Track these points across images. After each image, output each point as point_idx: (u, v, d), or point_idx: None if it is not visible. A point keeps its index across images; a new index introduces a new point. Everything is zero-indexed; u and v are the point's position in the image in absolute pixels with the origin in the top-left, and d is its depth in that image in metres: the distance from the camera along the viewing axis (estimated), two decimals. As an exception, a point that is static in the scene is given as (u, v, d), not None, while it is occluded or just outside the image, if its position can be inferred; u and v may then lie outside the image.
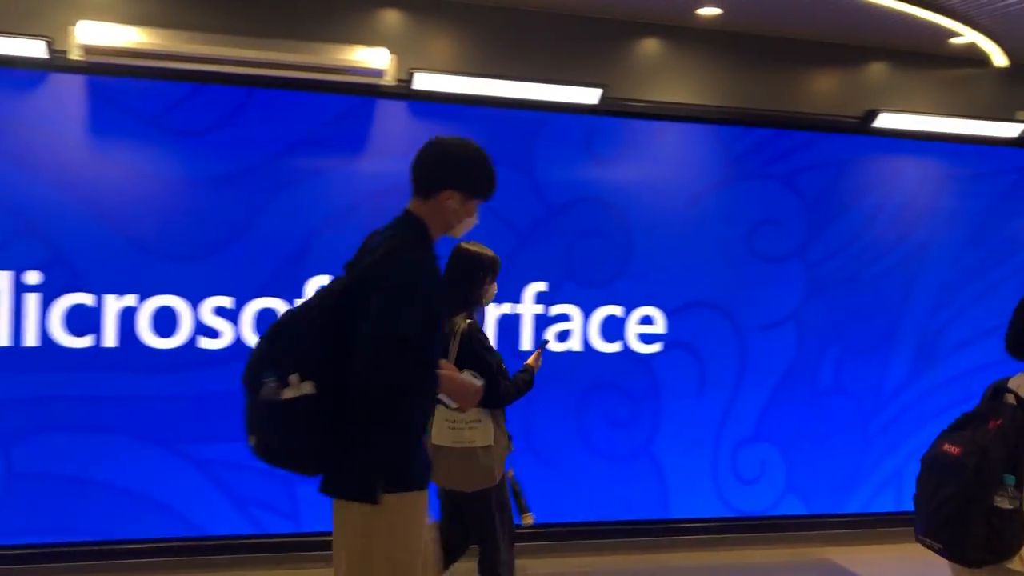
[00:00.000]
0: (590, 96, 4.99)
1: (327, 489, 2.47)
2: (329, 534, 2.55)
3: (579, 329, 5.14)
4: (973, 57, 5.59)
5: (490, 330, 4.95)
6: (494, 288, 3.66)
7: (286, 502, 4.78)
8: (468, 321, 3.54)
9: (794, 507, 5.53)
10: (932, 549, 2.60)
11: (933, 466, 2.63)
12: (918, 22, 5.01)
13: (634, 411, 5.26)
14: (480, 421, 3.50)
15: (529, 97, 4.95)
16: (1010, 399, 2.59)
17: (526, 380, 3.65)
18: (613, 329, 5.18)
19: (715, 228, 5.33)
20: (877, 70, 5.62)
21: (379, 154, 4.86)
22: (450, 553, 3.69)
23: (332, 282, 2.53)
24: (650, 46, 5.28)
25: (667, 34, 5.27)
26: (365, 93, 4.84)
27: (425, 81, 4.78)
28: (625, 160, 5.21)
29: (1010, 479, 2.46)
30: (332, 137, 4.82)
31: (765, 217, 5.43)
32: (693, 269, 5.30)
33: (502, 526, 3.60)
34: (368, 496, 2.39)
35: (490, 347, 3.59)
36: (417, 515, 2.49)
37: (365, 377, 2.32)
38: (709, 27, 5.28)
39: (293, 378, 2.32)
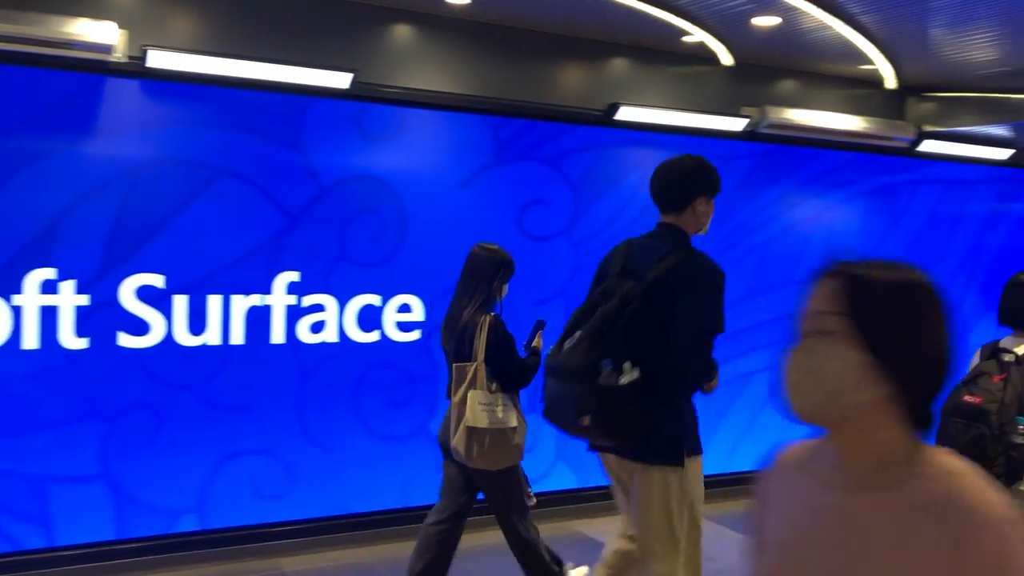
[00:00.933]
0: (340, 80, 4.90)
1: (642, 458, 3.03)
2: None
3: (377, 312, 5.06)
4: (704, 55, 6.01)
5: (240, 322, 4.81)
6: (506, 287, 4.02)
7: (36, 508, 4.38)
8: (492, 315, 3.88)
9: (564, 475, 5.75)
10: None
11: (958, 413, 3.29)
12: (653, 20, 5.31)
13: (410, 393, 5.28)
14: (507, 404, 3.84)
15: (276, 79, 4.79)
16: (1009, 357, 3.36)
17: (536, 362, 3.95)
18: (373, 316, 5.15)
19: (485, 209, 5.43)
20: (620, 65, 5.91)
21: (112, 135, 4.52)
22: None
23: (618, 284, 3.03)
24: (403, 32, 5.26)
25: (420, 21, 5.28)
26: (94, 70, 4.49)
27: (160, 59, 4.49)
28: (394, 144, 5.20)
29: (1021, 420, 3.18)
30: (60, 117, 4.44)
31: (534, 198, 5.59)
32: (465, 250, 5.36)
33: (522, 499, 3.99)
34: (678, 460, 3.04)
35: (511, 336, 3.89)
36: (700, 473, 3.17)
37: (685, 363, 2.92)
38: (460, 16, 5.33)
39: (626, 366, 2.82)
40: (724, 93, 6.20)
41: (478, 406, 3.79)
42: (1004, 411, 3.20)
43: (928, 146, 7.02)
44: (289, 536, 5.01)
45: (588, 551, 5.12)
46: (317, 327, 5.00)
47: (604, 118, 5.71)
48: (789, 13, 5.08)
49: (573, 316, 3.11)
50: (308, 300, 4.97)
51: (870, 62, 6.09)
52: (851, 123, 6.43)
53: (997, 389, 3.28)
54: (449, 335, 3.99)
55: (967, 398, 3.33)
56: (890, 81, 6.54)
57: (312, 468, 5.07)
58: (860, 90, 6.68)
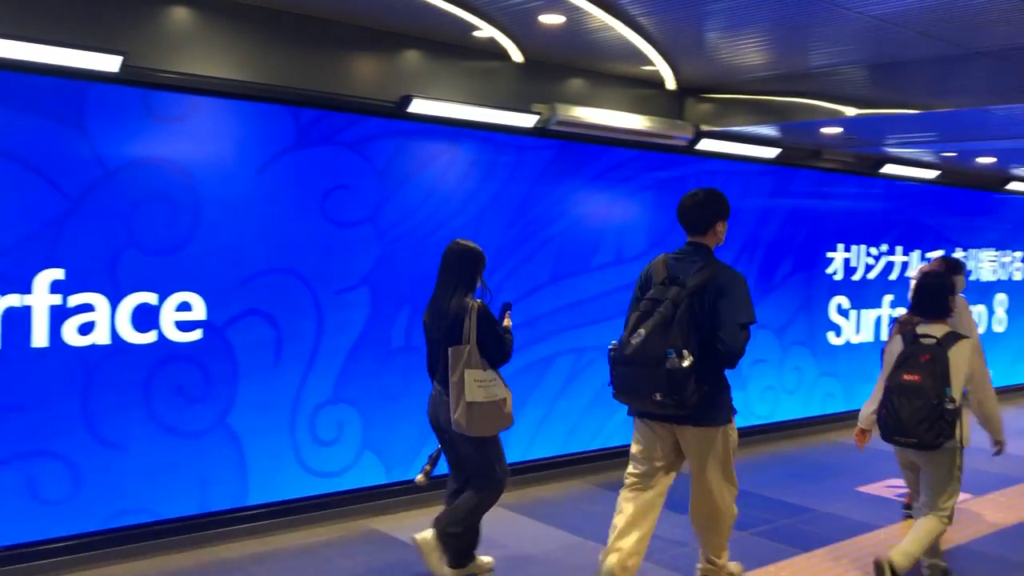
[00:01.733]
0: (109, 63, 4.57)
1: (698, 423, 4.00)
2: None
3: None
4: (495, 51, 6.08)
5: (-5, 324, 4.40)
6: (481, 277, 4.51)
7: None
8: (479, 301, 4.37)
9: (371, 466, 5.66)
10: (908, 445, 4.30)
11: (902, 391, 4.25)
12: (444, 14, 5.30)
13: (208, 387, 5.04)
14: (496, 379, 4.37)
15: (43, 61, 4.40)
16: (930, 340, 4.31)
17: (511, 340, 4.47)
18: (149, 316, 4.85)
19: (286, 195, 5.25)
20: (413, 57, 5.87)
21: None
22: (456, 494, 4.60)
23: (664, 290, 3.97)
24: (180, 15, 4.98)
25: (201, 5, 5.01)
26: None
27: None
28: (183, 128, 4.90)
29: (948, 390, 4.17)
30: None
31: (338, 184, 5.46)
32: (267, 236, 5.20)
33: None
34: (725, 421, 4.06)
35: (495, 320, 4.42)
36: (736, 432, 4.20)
37: (731, 350, 3.87)
38: (246, 2, 5.12)
39: (684, 352, 3.79)
40: (516, 89, 6.30)
41: (474, 383, 4.29)
42: (936, 385, 4.18)
43: (705, 144, 7.45)
44: (65, 552, 4.64)
45: (385, 548, 5.08)
46: (85, 328, 4.65)
47: (397, 110, 5.66)
48: (573, 12, 5.22)
49: (632, 317, 4.06)
50: (75, 300, 4.61)
51: (651, 63, 6.38)
52: (635, 122, 6.71)
53: (927, 367, 4.22)
54: (438, 323, 4.44)
55: (906, 377, 4.27)
56: (670, 82, 6.88)
57: (97, 472, 4.72)
58: (643, 90, 6.99)
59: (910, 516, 5.69)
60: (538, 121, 6.24)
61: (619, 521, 4.17)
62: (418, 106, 5.67)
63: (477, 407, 4.28)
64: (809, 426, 8.47)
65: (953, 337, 4.36)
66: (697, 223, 4.15)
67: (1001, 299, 10.70)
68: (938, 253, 9.48)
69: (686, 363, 3.79)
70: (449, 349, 4.32)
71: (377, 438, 5.71)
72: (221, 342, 5.08)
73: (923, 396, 4.19)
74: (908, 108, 6.54)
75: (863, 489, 6.55)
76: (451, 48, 5.98)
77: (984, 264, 10.41)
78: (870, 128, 7.59)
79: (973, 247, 10.29)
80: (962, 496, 6.38)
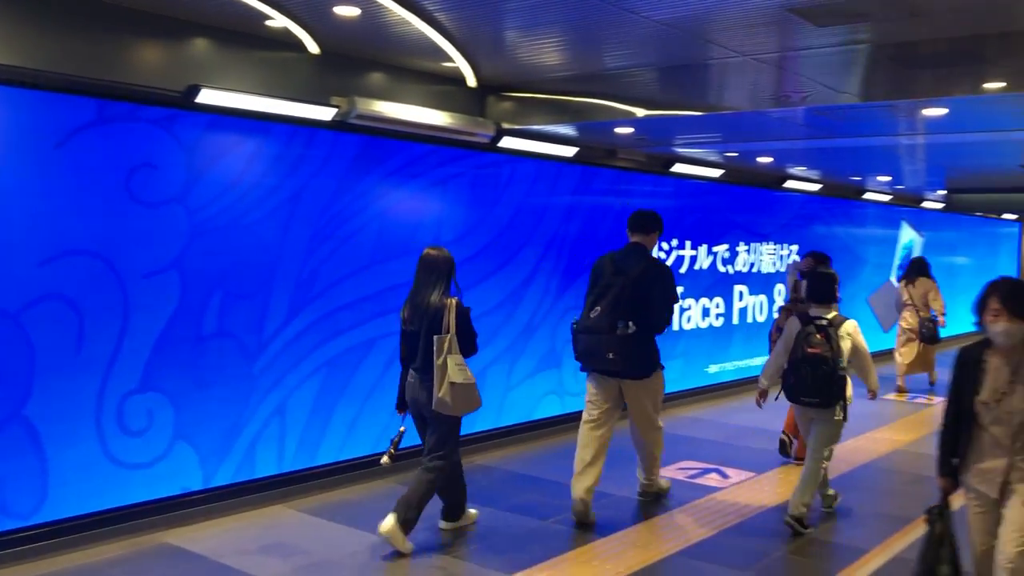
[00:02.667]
0: None
1: (633, 376, 5.51)
2: None
3: None
4: (290, 42, 5.90)
5: None
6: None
7: None
8: (457, 299, 5.01)
9: (184, 453, 5.35)
10: (811, 404, 5.44)
11: (807, 361, 5.36)
12: (234, 1, 5.09)
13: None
14: (465, 365, 4.96)
15: None
16: (823, 321, 5.42)
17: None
18: None
19: (86, 172, 4.80)
20: (201, 46, 5.60)
21: None
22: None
23: (614, 279, 5.43)
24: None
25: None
26: None
27: None
28: None
29: (840, 361, 5.33)
30: None
31: (143, 162, 5.05)
32: (61, 218, 4.74)
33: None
34: (655, 370, 5.55)
35: (468, 315, 5.06)
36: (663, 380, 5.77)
37: (662, 319, 5.43)
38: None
39: (630, 324, 5.26)
40: (313, 82, 6.14)
41: (456, 367, 4.90)
42: (833, 356, 5.30)
43: (507, 142, 7.57)
44: None
45: (181, 564, 4.81)
46: None
47: (184, 100, 5.37)
48: (369, 5, 5.14)
49: (590, 299, 5.54)
50: None
51: (451, 60, 6.40)
52: (436, 118, 6.72)
53: (824, 343, 5.36)
54: (419, 317, 5.02)
55: (809, 351, 5.37)
56: (471, 80, 6.93)
57: None
58: (445, 87, 7.00)
59: (788, 463, 7.19)
60: (336, 114, 6.11)
61: (585, 455, 5.60)
62: (208, 96, 5.40)
63: (458, 387, 4.91)
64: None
65: (840, 318, 5.53)
66: (643, 229, 5.66)
67: (780, 288, 11.54)
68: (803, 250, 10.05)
69: (631, 330, 5.32)
70: (434, 338, 4.93)
71: (190, 427, 5.39)
72: (14, 328, 4.62)
73: (824, 365, 5.33)
74: (693, 110, 6.91)
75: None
76: (243, 37, 5.75)
77: (764, 257, 11.19)
78: (659, 128, 7.98)
79: (755, 241, 11.03)
80: (747, 474, 6.83)
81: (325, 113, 6.05)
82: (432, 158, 6.93)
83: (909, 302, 10.70)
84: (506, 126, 7.45)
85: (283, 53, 5.96)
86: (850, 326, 5.52)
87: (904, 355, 10.80)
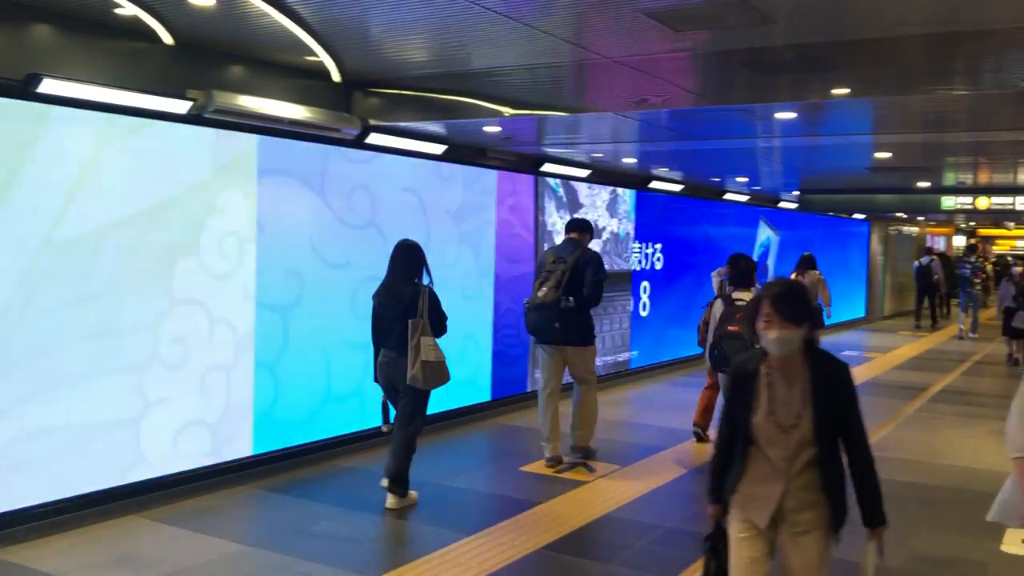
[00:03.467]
0: None
1: (574, 343, 6.79)
2: None
3: None
4: (142, 32, 5.64)
5: None
6: None
7: None
8: (428, 287, 5.70)
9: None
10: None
11: (728, 336, 6.25)
12: (78, -13, 4.83)
13: None
14: (436, 345, 5.65)
15: None
16: (741, 303, 6.20)
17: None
18: None
19: None
20: (44, 33, 5.28)
21: None
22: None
23: (556, 264, 6.70)
24: None
25: None
26: None
27: None
28: None
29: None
30: None
31: None
32: None
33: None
34: (591, 342, 6.89)
35: (438, 300, 5.76)
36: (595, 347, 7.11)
37: (594, 295, 6.61)
38: None
39: (571, 299, 6.55)
40: (168, 73, 5.89)
41: (428, 347, 5.57)
42: (749, 332, 5.83)
43: (375, 139, 7.48)
44: None
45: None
46: None
47: (23, 89, 5.05)
48: (225, -5, 4.98)
49: (537, 282, 6.82)
50: None
51: (314, 54, 6.26)
52: (300, 112, 6.57)
53: (742, 321, 5.68)
54: (393, 303, 5.69)
55: (731, 328, 6.31)
56: (335, 75, 6.81)
57: None
58: (310, 81, 6.85)
59: (699, 436, 7.93)
60: (193, 107, 5.89)
61: (551, 422, 6.98)
62: (50, 86, 5.11)
63: (429, 365, 5.56)
64: (482, 411, 8.81)
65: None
66: (578, 228, 7.06)
67: (645, 286, 11.85)
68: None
69: (571, 304, 6.65)
70: (409, 321, 5.57)
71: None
72: None
73: (742, 339, 5.91)
74: (559, 111, 7.00)
75: (525, 469, 6.93)
76: (90, 25, 5.46)
77: (632, 255, 11.47)
78: (524, 128, 8.05)
79: (622, 239, 11.28)
80: (612, 467, 6.98)
81: (180, 106, 5.81)
82: (294, 153, 6.78)
83: None
84: (373, 122, 7.35)
85: (134, 43, 5.69)
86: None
87: None
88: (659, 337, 12.16)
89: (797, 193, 15.90)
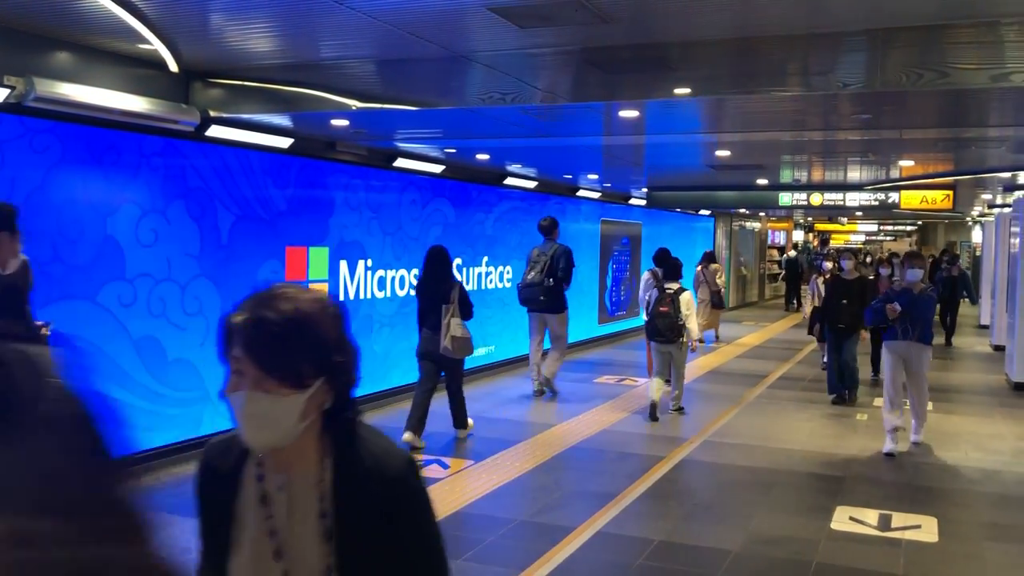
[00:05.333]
0: None
1: (552, 311, 9.99)
2: None
3: None
4: (-49, 11, 5.21)
5: None
6: None
7: None
8: (459, 281, 7.77)
9: None
10: (663, 342, 8.93)
11: (659, 317, 8.88)
12: None
13: None
14: (463, 324, 7.54)
15: None
16: (671, 291, 8.94)
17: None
18: None
19: None
20: None
21: None
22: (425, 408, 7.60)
23: (538, 258, 9.91)
24: None
25: None
26: None
27: None
28: None
29: (679, 316, 8.87)
30: None
31: None
32: None
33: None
34: (564, 310, 10.11)
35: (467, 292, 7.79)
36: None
37: (567, 274, 9.93)
38: None
39: (551, 280, 9.84)
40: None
41: (456, 326, 7.41)
42: (676, 312, 8.71)
43: (216, 131, 7.18)
44: None
45: None
46: None
47: None
48: (44, -25, 4.65)
49: (527, 270, 9.95)
50: None
51: (147, 42, 5.95)
52: (132, 103, 6.22)
53: (669, 305, 8.79)
54: (430, 294, 7.56)
55: (662, 309, 8.81)
56: (172, 64, 6.48)
57: None
58: (144, 70, 6.50)
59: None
60: (11, 95, 5.48)
61: (536, 365, 10.06)
62: None
63: (457, 339, 7.41)
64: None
65: (681, 289, 8.96)
66: (547, 230, 10.00)
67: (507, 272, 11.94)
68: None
69: (552, 283, 9.69)
70: (443, 306, 7.42)
71: None
72: None
73: (670, 318, 8.79)
74: (408, 105, 6.91)
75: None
76: None
77: (484, 261, 11.53)
78: (375, 122, 7.92)
79: (471, 236, 11.32)
80: (467, 463, 6.97)
81: (-4, 94, 5.40)
82: (125, 146, 6.44)
83: (703, 280, 15.31)
84: (214, 114, 7.06)
85: (-58, 24, 5.25)
86: (686, 295, 8.96)
87: (701, 316, 14.09)
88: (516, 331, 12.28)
89: (645, 190, 16.38)
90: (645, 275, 10.54)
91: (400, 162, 10.16)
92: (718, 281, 15.41)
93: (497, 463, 7.08)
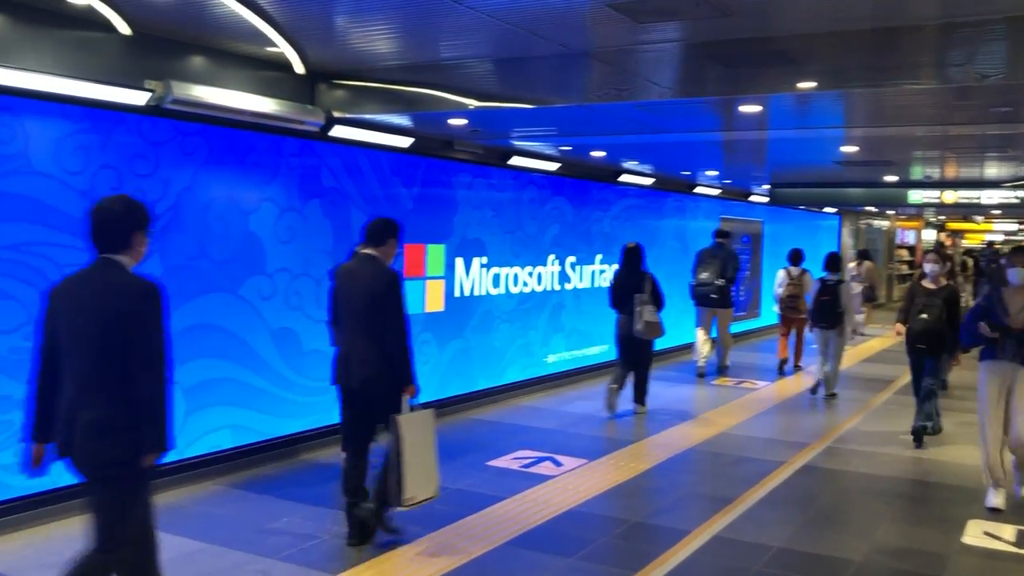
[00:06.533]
0: None
1: (722, 306, 11.45)
2: None
3: None
4: (96, 20, 5.52)
5: None
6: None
7: None
8: (651, 274, 8.91)
9: None
10: (825, 328, 9.99)
11: (820, 304, 9.98)
12: (27, -27, 4.71)
13: None
14: (654, 312, 8.80)
15: None
16: (831, 282, 10.00)
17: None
18: None
19: None
20: (-4, 21, 5.15)
21: None
22: None
23: (713, 258, 11.35)
24: None
25: None
26: None
27: None
28: None
29: (638, 297, 8.76)
30: None
31: None
32: None
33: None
34: (731, 306, 11.86)
35: (658, 285, 8.98)
36: None
37: (735, 276, 11.65)
38: None
39: (722, 279, 11.39)
40: (124, 64, 5.77)
41: (649, 312, 8.61)
42: (836, 301, 9.84)
43: (339, 131, 7.38)
44: None
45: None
46: None
47: (-27, 80, 4.93)
48: (181, -16, 4.88)
49: (698, 270, 11.31)
50: None
51: (275, 45, 6.16)
52: (262, 104, 6.46)
53: (832, 293, 9.88)
54: (628, 285, 8.76)
55: (824, 298, 9.91)
56: (298, 66, 6.71)
57: None
58: (272, 72, 6.75)
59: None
60: (151, 99, 5.78)
61: (703, 351, 11.44)
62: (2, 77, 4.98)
63: (649, 323, 8.59)
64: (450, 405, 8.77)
65: (839, 280, 10.02)
66: (724, 237, 11.51)
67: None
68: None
69: (723, 283, 11.18)
70: (635, 296, 8.62)
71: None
72: None
73: (830, 306, 9.92)
74: (524, 103, 6.94)
75: (492, 463, 6.89)
76: (43, 15, 5.33)
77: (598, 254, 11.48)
78: (492, 121, 7.98)
79: (586, 242, 11.28)
80: (579, 461, 6.95)
81: (138, 97, 5.70)
82: (257, 146, 6.69)
83: (859, 276, 16.13)
84: (338, 115, 7.26)
85: (88, 33, 5.57)
86: (846, 287, 10.05)
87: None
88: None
89: (768, 187, 15.94)
90: (780, 273, 11.58)
91: (515, 160, 10.21)
92: (873, 277, 16.94)
93: (610, 462, 7.03)
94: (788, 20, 5.30)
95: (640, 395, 9.03)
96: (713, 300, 11.15)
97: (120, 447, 3.31)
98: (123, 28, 5.62)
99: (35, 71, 5.19)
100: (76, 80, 5.36)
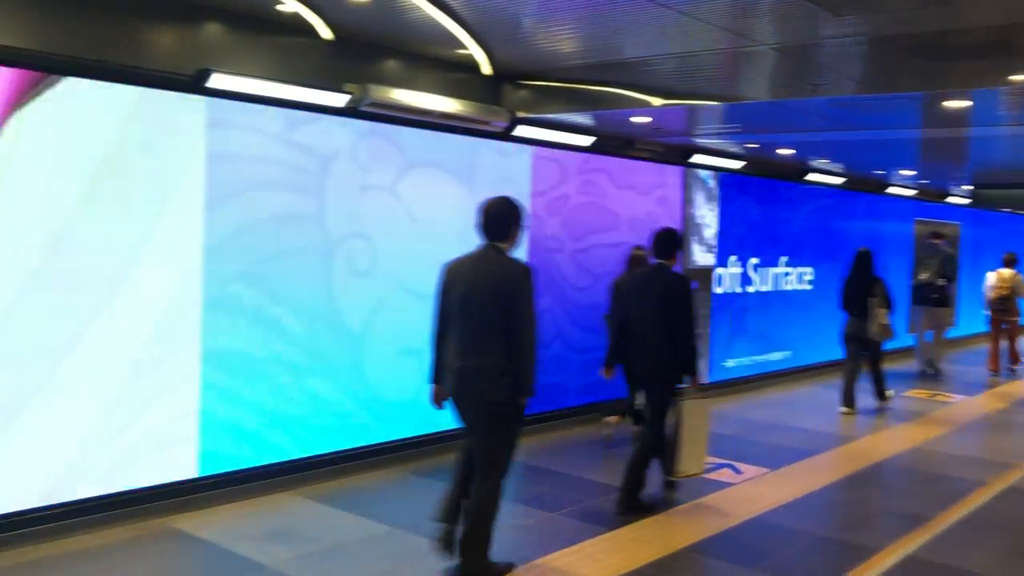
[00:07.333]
0: None
1: (943, 306, 11.89)
2: None
3: None
4: (302, 26, 5.84)
5: None
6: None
7: None
8: (880, 278, 9.26)
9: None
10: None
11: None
12: (243, -15, 5.05)
13: None
14: (886, 315, 9.09)
15: None
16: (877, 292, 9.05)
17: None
18: None
19: None
20: (213, 30, 5.56)
21: None
22: None
23: (930, 260, 11.79)
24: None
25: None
26: None
27: None
28: None
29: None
30: None
31: None
32: None
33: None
34: (951, 304, 12.81)
35: (887, 288, 9.31)
36: None
37: (954, 276, 12.25)
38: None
39: (945, 279, 11.88)
40: (326, 67, 6.08)
41: (881, 314, 8.92)
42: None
43: (522, 131, 7.49)
44: None
45: (186, 549, 4.80)
46: None
47: (194, 84, 5.33)
48: (381, -10, 5.08)
49: (918, 272, 11.88)
50: None
51: (464, 47, 6.32)
52: (451, 106, 6.64)
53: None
54: (854, 288, 9.13)
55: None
56: (485, 67, 6.85)
57: None
58: (460, 74, 6.93)
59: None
60: (350, 101, 6.06)
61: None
62: (219, 81, 5.36)
63: (882, 326, 8.93)
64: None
65: None
66: (939, 238, 11.86)
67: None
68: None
69: (943, 283, 11.65)
70: (869, 299, 8.92)
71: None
72: None
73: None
74: (710, 100, 6.79)
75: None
76: (255, 21, 5.70)
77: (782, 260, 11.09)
78: (675, 118, 7.86)
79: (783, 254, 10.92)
80: (761, 470, 6.73)
81: (338, 99, 5.99)
82: (445, 145, 6.88)
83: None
84: (521, 115, 7.37)
85: (295, 38, 5.91)
86: None
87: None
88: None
89: (969, 188, 14.87)
90: (990, 275, 12.04)
91: (697, 158, 10.02)
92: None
93: (793, 473, 6.77)
94: (1007, 7, 4.91)
95: (880, 390, 9.41)
96: (934, 300, 11.56)
97: (502, 390, 4.16)
98: (325, 33, 5.92)
99: (251, 76, 5.55)
100: (284, 84, 5.69)
